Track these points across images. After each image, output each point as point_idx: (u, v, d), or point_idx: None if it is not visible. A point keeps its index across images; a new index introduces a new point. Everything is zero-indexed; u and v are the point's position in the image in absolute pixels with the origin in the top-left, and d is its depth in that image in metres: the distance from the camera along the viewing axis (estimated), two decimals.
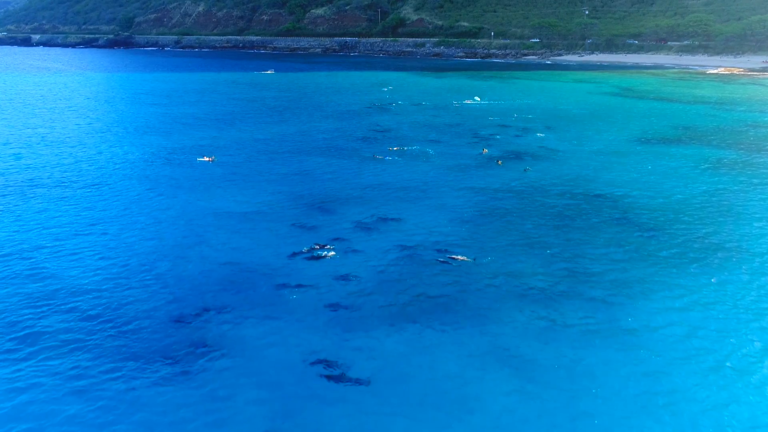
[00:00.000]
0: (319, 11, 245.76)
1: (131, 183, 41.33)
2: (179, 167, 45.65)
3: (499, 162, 47.30)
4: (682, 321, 23.37)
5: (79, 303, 24.35)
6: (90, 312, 23.69)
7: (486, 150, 51.57)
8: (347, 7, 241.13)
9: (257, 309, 23.80)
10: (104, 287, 25.66)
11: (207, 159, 47.37)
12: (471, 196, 38.63)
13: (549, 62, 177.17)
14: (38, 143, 55.07)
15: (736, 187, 40.86)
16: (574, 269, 27.58)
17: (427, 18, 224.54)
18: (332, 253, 28.53)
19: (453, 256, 28.33)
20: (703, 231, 32.67)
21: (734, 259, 28.85)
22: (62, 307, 24.09)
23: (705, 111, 75.51)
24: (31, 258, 28.62)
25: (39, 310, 23.78)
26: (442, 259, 28.12)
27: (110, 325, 22.73)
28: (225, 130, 62.55)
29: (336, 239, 30.51)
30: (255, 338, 21.87)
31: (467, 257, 28.34)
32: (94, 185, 40.77)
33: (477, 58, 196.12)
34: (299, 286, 25.59)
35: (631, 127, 63.98)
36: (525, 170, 44.69)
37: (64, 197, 38.14)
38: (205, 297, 24.75)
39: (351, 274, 26.69)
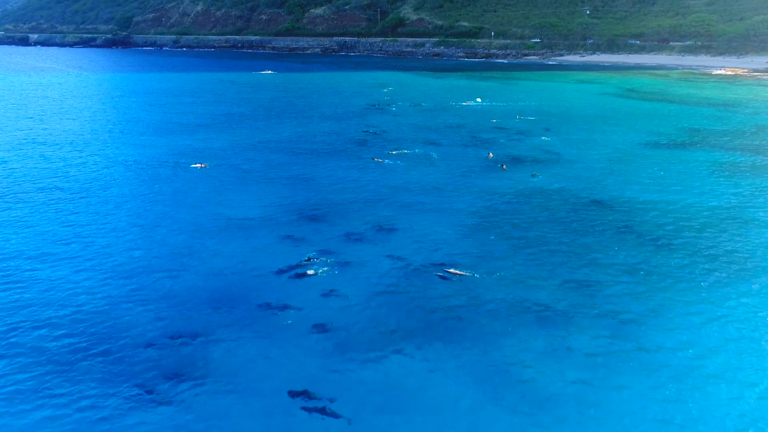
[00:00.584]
0: (318, 11, 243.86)
1: (119, 190, 39.47)
2: (171, 174, 43.65)
3: (504, 167, 45.53)
4: (701, 342, 21.72)
5: (49, 322, 22.61)
6: (61, 331, 21.99)
7: (492, 154, 49.77)
8: (346, 7, 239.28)
9: (243, 330, 22.03)
10: (80, 304, 23.92)
11: (200, 165, 45.38)
12: (475, 203, 36.82)
13: (550, 62, 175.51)
14: (26, 145, 53.39)
15: (751, 193, 39.14)
16: (583, 284, 25.88)
17: (427, 18, 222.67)
18: (325, 268, 26.68)
19: (450, 270, 26.52)
20: (719, 241, 30.95)
21: (753, 272, 27.14)
22: (33, 324, 22.37)
23: (712, 113, 73.79)
24: (2, 270, 26.84)
25: (5, 329, 22.01)
26: (439, 273, 26.37)
27: (83, 345, 21.02)
28: (220, 133, 60.81)
29: (330, 252, 28.68)
30: (239, 363, 20.14)
31: (466, 271, 26.56)
32: (79, 191, 39.01)
33: (477, 58, 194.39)
34: (289, 304, 23.81)
35: (638, 130, 62.22)
36: (533, 176, 42.79)
37: (47, 204, 36.40)
38: (188, 316, 23.00)
39: (344, 291, 24.88)
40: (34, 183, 40.93)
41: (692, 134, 60.13)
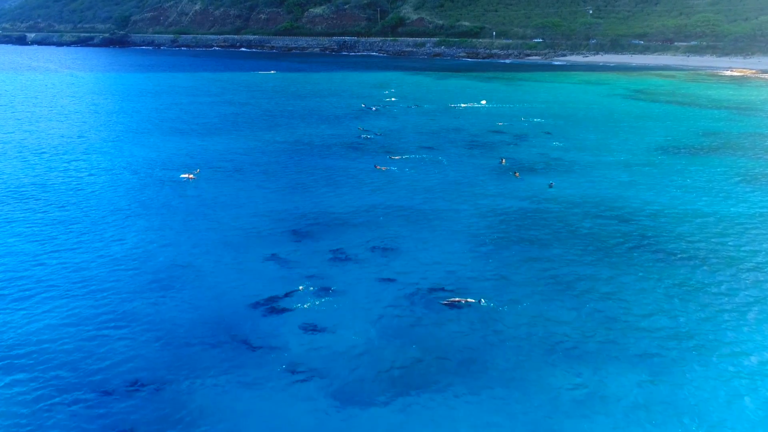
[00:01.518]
0: (318, 10, 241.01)
1: (100, 202, 36.19)
2: (158, 185, 40.29)
3: (516, 174, 42.47)
4: (755, 391, 18.76)
5: (10, 356, 19.71)
6: (23, 361, 19.29)
7: (504, 160, 46.78)
8: (346, 6, 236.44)
9: (224, 373, 19.07)
10: (44, 337, 20.98)
11: (189, 176, 41.81)
12: (487, 217, 33.78)
13: (554, 63, 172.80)
14: (9, 149, 50.50)
15: None
16: (613, 313, 22.99)
17: (428, 17, 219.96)
18: (320, 299, 23.38)
19: (462, 300, 23.44)
20: (756, 260, 28.06)
21: None
22: None
23: (726, 116, 70.88)
24: None
25: None
26: (446, 302, 23.36)
27: (44, 389, 18.09)
28: (214, 137, 57.74)
29: (325, 277, 25.55)
30: (217, 412, 17.27)
31: (480, 299, 23.51)
32: (57, 202, 36.01)
33: (479, 58, 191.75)
34: (276, 341, 20.78)
35: (651, 134, 59.28)
36: (549, 186, 39.73)
37: (22, 215, 33.48)
38: (164, 353, 20.05)
39: (341, 326, 21.80)
40: (10, 191, 38.00)
41: (710, 138, 57.21)
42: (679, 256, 28.52)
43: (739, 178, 42.29)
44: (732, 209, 35.39)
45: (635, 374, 19.47)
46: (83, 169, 44.16)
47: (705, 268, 27.21)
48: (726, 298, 24.40)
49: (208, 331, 21.38)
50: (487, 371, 19.54)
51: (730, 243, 30.12)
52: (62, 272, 26.33)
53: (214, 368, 19.30)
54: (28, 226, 31.83)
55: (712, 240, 30.50)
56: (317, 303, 23.23)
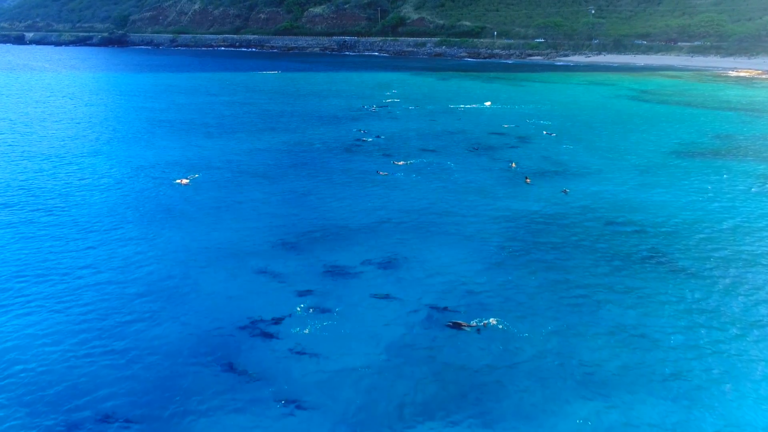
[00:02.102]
0: (318, 10, 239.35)
1: (90, 210, 34.31)
2: (151, 190, 38.52)
3: (528, 180, 40.65)
4: None
5: None
6: None
7: (514, 164, 45.01)
8: (346, 6, 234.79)
9: (213, 402, 17.33)
10: (12, 357, 19.30)
11: (184, 181, 40.01)
12: (497, 227, 31.89)
13: (557, 63, 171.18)
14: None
15: None
16: (632, 334, 21.39)
17: (428, 17, 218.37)
18: (319, 322, 21.36)
19: (462, 322, 21.68)
20: None
21: None
22: None
23: (737, 117, 69.07)
24: None
25: None
26: (449, 323, 21.61)
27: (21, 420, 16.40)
28: (211, 140, 55.91)
29: (323, 294, 23.72)
30: None
31: (494, 319, 21.76)
32: (45, 208, 34.29)
33: (480, 58, 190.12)
34: (271, 369, 18.96)
35: (662, 136, 57.46)
36: (563, 192, 37.87)
37: (8, 223, 31.76)
38: (145, 380, 18.29)
39: (342, 348, 20.02)
40: None
41: (723, 141, 55.44)
42: (699, 266, 26.90)
43: (753, 181, 40.69)
44: (750, 215, 33.76)
45: (661, 400, 17.89)
46: (73, 173, 42.46)
47: (727, 280, 25.62)
48: (753, 312, 22.81)
49: (196, 354, 19.63)
50: (501, 399, 17.90)
51: (751, 251, 28.50)
52: (44, 284, 24.70)
53: (202, 395, 17.64)
54: (11, 233, 30.12)
55: (733, 248, 28.91)
56: (315, 324, 21.42)
